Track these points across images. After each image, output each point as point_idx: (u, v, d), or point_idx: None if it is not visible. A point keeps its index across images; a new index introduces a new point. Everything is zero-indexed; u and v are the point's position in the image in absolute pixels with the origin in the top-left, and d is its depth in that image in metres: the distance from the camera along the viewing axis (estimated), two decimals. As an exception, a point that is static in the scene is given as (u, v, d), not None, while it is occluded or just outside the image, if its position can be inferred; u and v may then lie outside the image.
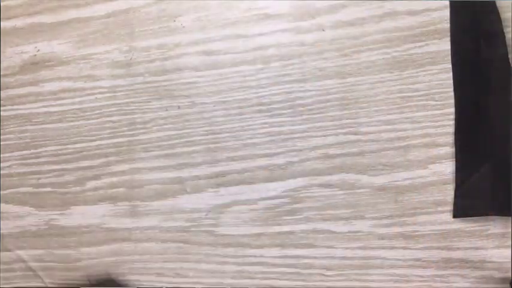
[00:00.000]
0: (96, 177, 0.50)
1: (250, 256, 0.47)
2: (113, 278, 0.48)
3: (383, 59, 0.44)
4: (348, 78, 0.45)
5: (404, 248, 0.43)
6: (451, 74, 0.43)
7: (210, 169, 0.48)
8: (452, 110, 0.43)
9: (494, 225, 0.42)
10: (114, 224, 0.50)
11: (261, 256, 0.47)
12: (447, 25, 0.43)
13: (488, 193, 0.41)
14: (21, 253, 0.52)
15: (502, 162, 0.41)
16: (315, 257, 0.46)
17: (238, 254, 0.48)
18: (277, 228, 0.47)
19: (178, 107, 0.49)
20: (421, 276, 0.43)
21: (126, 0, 0.50)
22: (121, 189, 0.50)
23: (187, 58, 0.48)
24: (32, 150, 0.52)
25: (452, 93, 0.43)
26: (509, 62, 0.41)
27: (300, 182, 0.46)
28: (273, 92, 0.47)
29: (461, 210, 0.42)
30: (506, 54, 0.41)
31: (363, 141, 0.44)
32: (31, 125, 0.52)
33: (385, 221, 0.43)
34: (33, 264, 0.52)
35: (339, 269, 0.45)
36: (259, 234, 0.47)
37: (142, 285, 0.48)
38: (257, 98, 0.47)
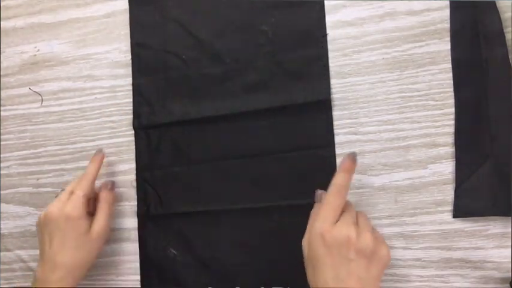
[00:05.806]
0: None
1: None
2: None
3: (383, 59, 0.44)
4: (348, 78, 0.45)
5: (404, 248, 0.43)
6: (451, 74, 0.43)
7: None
8: (452, 110, 0.43)
9: (494, 225, 0.42)
10: (114, 224, 0.50)
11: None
12: (447, 25, 0.43)
13: (488, 193, 0.41)
14: (21, 253, 0.52)
15: (501, 162, 0.41)
16: (315, 257, 0.46)
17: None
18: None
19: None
20: (421, 276, 0.43)
21: (126, 0, 0.50)
22: (121, 189, 0.50)
23: (187, 58, 0.48)
24: (32, 150, 0.52)
25: (452, 93, 0.43)
26: (509, 62, 0.41)
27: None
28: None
29: (461, 210, 0.42)
30: (506, 54, 0.41)
31: (363, 141, 0.44)
32: (31, 125, 0.52)
33: (385, 221, 0.43)
34: (33, 264, 0.52)
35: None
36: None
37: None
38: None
